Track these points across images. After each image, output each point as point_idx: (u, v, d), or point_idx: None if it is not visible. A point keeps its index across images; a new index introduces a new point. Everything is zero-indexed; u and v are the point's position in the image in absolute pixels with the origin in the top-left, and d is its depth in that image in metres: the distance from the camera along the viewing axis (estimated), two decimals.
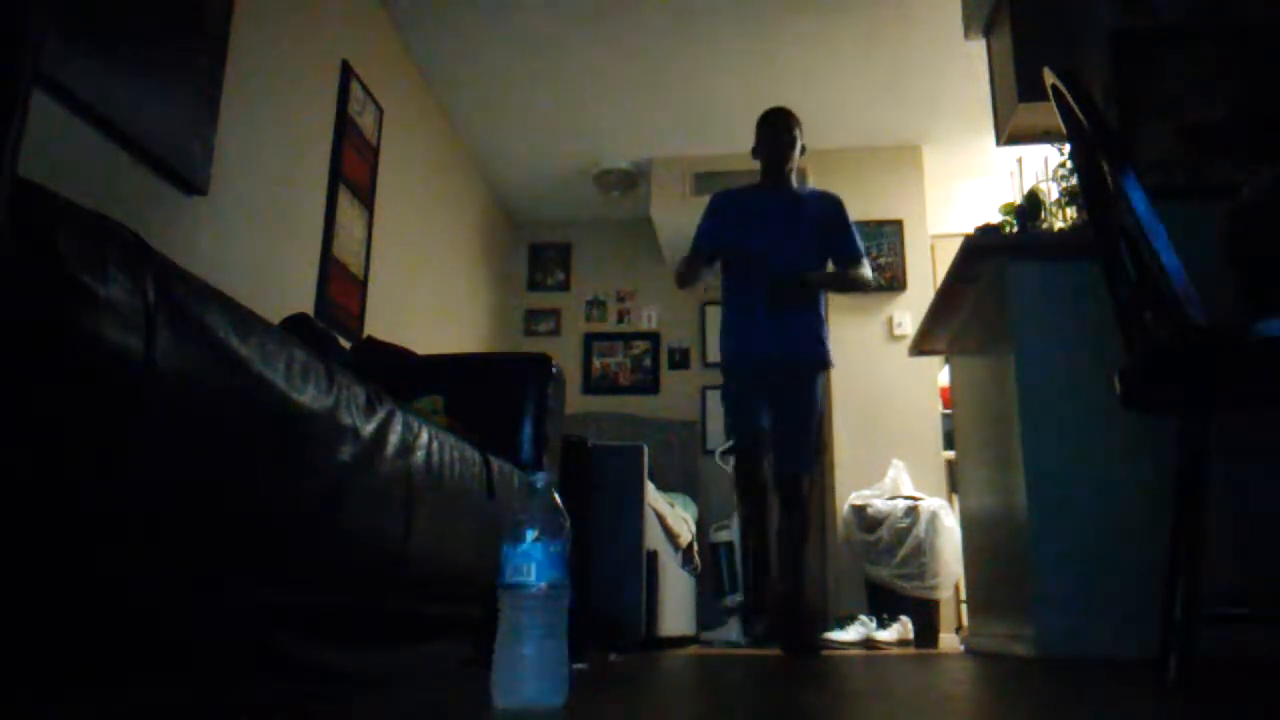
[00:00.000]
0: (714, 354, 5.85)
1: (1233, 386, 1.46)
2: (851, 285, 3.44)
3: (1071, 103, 1.51)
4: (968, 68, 4.07)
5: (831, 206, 3.44)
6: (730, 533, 4.73)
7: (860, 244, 3.46)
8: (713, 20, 4.22)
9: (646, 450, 3.85)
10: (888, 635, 4.01)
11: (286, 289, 3.21)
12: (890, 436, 4.75)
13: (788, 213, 3.38)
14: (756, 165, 3.51)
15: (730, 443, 3.40)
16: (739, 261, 3.37)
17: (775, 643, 3.18)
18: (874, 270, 5.10)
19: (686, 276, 3.48)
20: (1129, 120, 2.67)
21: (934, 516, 4.17)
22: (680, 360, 5.99)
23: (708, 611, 4.94)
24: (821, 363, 3.32)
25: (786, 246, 3.32)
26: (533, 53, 4.45)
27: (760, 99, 4.67)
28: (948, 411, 4.48)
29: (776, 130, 3.43)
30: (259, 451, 1.23)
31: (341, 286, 3.58)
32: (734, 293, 3.41)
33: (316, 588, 1.39)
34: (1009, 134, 3.16)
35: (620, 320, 6.11)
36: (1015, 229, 3.04)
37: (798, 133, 3.44)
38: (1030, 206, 3.15)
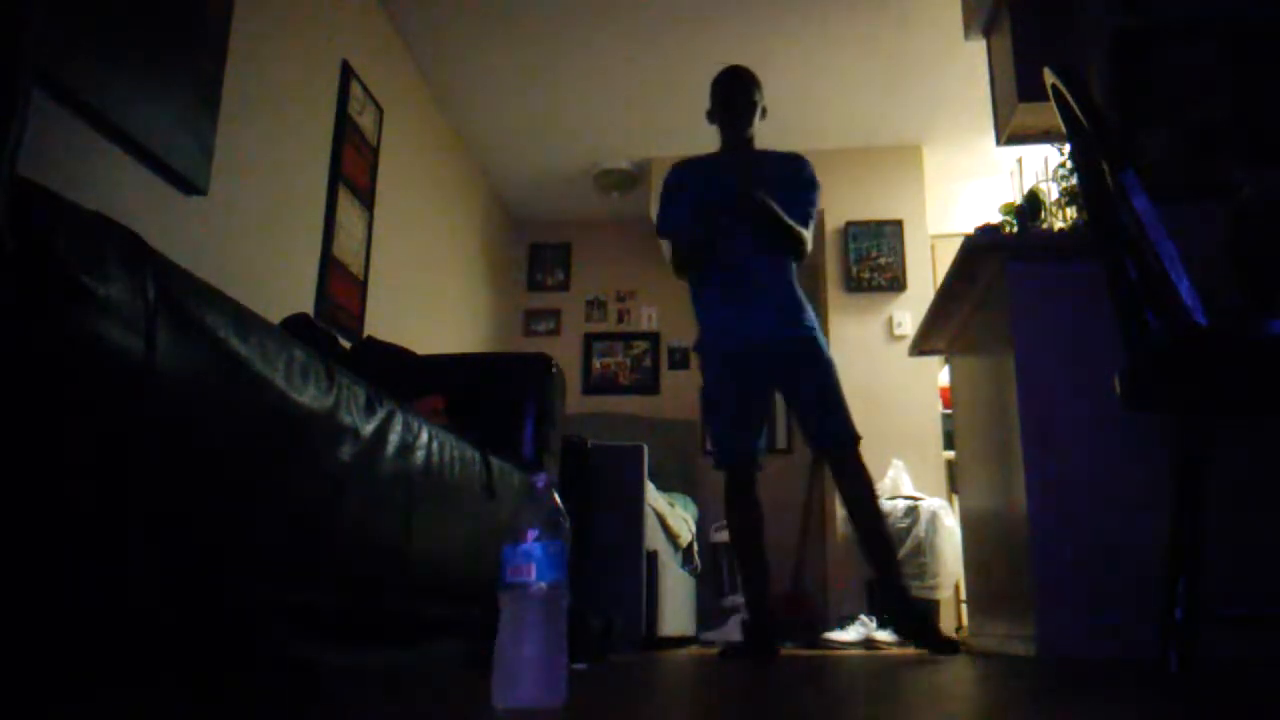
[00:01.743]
0: None
1: (1233, 387, 1.46)
2: (789, 236, 2.97)
3: (1071, 103, 1.51)
4: (968, 68, 4.07)
5: (791, 167, 3.08)
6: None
7: (811, 210, 3.05)
8: (713, 20, 4.22)
9: (646, 450, 3.85)
10: (888, 635, 4.01)
11: (286, 289, 3.21)
12: (890, 436, 4.75)
13: (749, 178, 3.00)
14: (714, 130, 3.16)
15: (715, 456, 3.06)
16: (698, 243, 3.03)
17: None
18: (874, 271, 5.16)
19: (682, 264, 3.11)
20: (1129, 120, 2.67)
21: (934, 516, 4.17)
22: (680, 360, 5.99)
23: (708, 611, 4.94)
24: (807, 342, 2.96)
25: (745, 223, 2.97)
26: (533, 52, 4.45)
27: None
28: (948, 411, 4.47)
29: (732, 95, 3.07)
30: (259, 451, 1.23)
31: (341, 286, 3.58)
32: (697, 281, 3.07)
33: (316, 588, 1.39)
34: (1009, 134, 3.16)
35: (620, 320, 6.11)
36: (1015, 229, 3.04)
37: (757, 96, 3.07)
38: (1030, 206, 3.15)
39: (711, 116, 3.15)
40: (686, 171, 3.19)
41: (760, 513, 3.00)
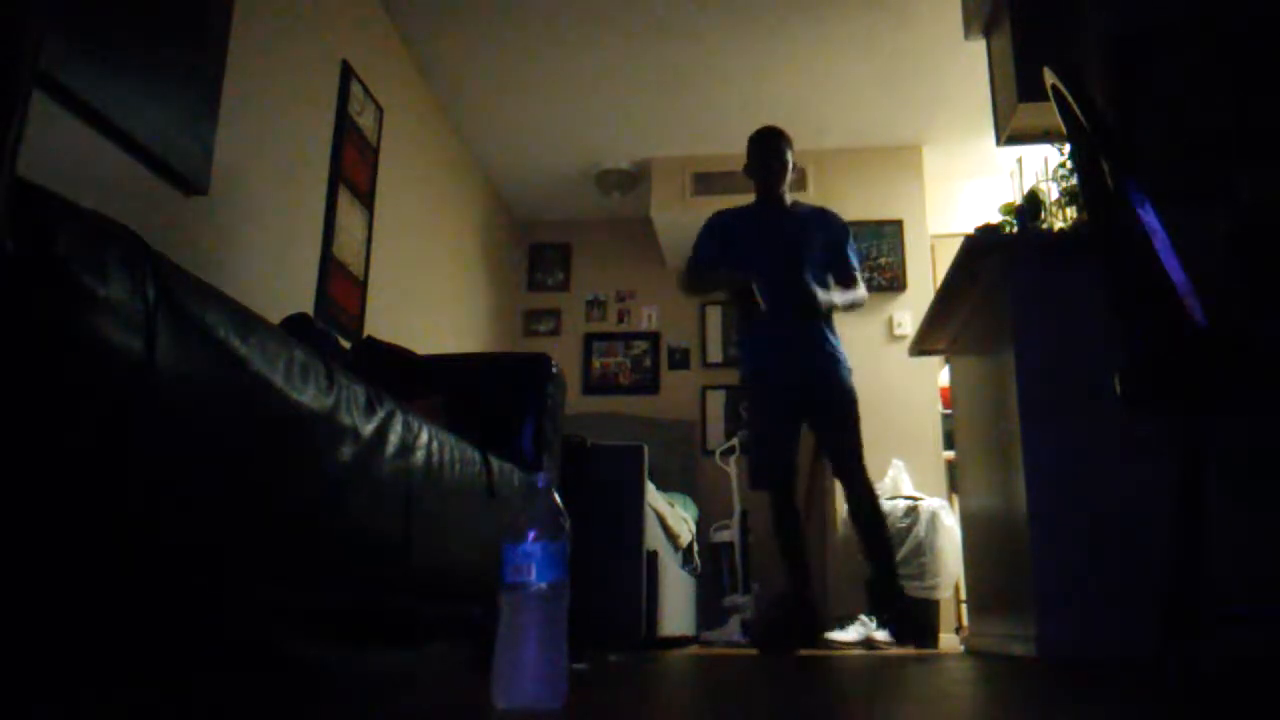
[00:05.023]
0: (714, 354, 5.88)
1: (1233, 387, 1.46)
2: (852, 308, 3.60)
3: (1071, 103, 1.51)
4: (968, 68, 4.07)
5: (835, 227, 3.54)
6: (730, 533, 4.73)
7: (857, 264, 3.59)
8: (713, 21, 4.22)
9: (646, 450, 3.85)
10: (888, 635, 4.01)
11: (286, 289, 3.20)
12: (890, 436, 4.74)
13: (787, 234, 3.46)
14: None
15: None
16: (745, 286, 3.42)
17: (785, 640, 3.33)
18: (874, 271, 5.16)
19: (692, 285, 3.62)
20: (1129, 120, 2.67)
21: (934, 516, 4.17)
22: (680, 360, 5.99)
23: (708, 611, 4.94)
24: (840, 382, 3.42)
25: (788, 268, 3.39)
26: (533, 53, 4.45)
27: (760, 99, 4.68)
28: (948, 411, 4.47)
29: (766, 154, 3.50)
30: (259, 451, 1.23)
31: (341, 286, 3.58)
32: (748, 317, 3.47)
33: (316, 588, 1.39)
34: (1009, 134, 3.16)
35: (620, 320, 6.11)
36: (1015, 229, 3.04)
37: (789, 156, 3.51)
38: (1030, 206, 3.14)
39: (748, 171, 3.57)
40: (731, 219, 3.59)
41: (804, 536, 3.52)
